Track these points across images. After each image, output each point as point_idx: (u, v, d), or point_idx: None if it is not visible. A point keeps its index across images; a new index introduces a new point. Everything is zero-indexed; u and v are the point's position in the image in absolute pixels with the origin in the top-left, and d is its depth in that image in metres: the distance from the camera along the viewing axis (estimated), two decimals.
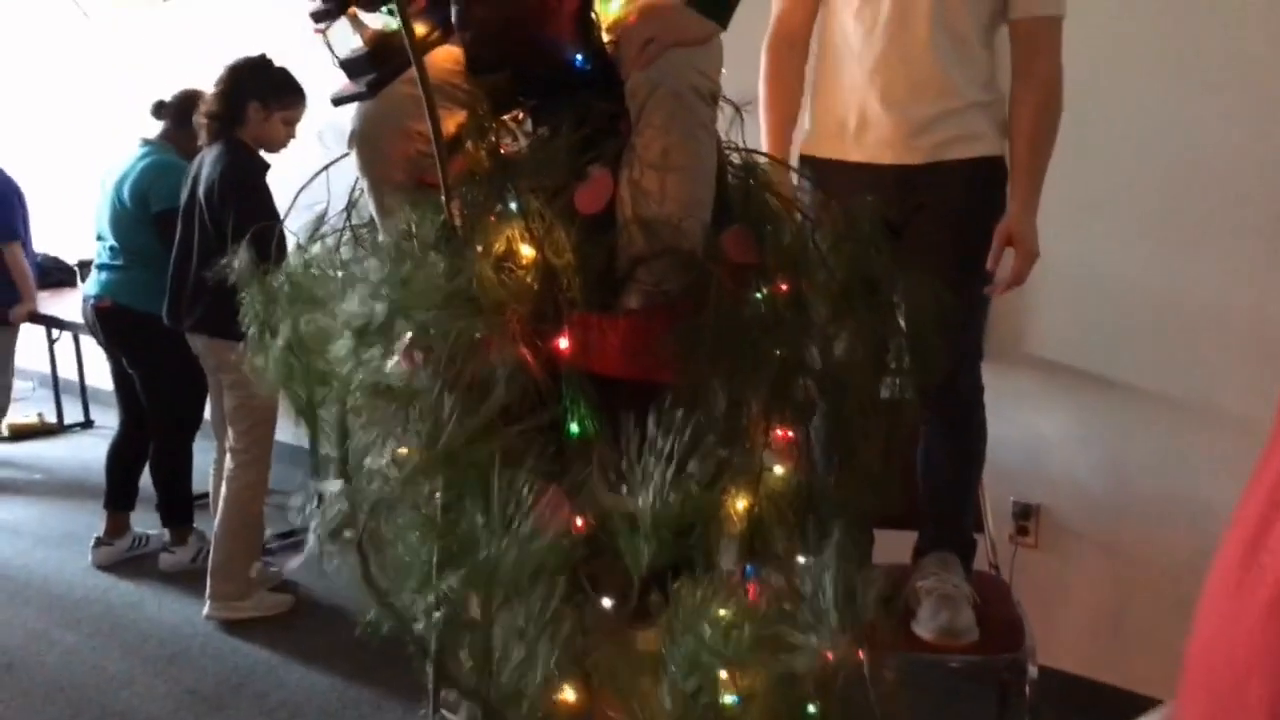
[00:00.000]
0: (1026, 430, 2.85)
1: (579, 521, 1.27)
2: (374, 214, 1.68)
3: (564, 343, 1.33)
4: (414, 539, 1.29)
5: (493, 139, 1.58)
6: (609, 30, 1.60)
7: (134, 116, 5.73)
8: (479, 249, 1.31)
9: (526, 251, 1.36)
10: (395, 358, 1.42)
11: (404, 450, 1.45)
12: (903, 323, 1.60)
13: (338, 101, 1.73)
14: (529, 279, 1.33)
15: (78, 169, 6.15)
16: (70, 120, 6.18)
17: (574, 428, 1.31)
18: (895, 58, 2.03)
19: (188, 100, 3.82)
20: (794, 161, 2.16)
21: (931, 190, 2.06)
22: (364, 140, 1.61)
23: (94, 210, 3.97)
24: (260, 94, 3.34)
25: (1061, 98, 2.09)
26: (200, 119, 3.39)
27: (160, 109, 3.92)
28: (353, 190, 1.80)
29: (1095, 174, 2.64)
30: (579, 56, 1.56)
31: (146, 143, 3.88)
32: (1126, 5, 2.59)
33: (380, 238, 1.67)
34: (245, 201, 3.18)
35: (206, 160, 3.35)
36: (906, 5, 2.00)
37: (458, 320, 1.25)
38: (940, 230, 2.06)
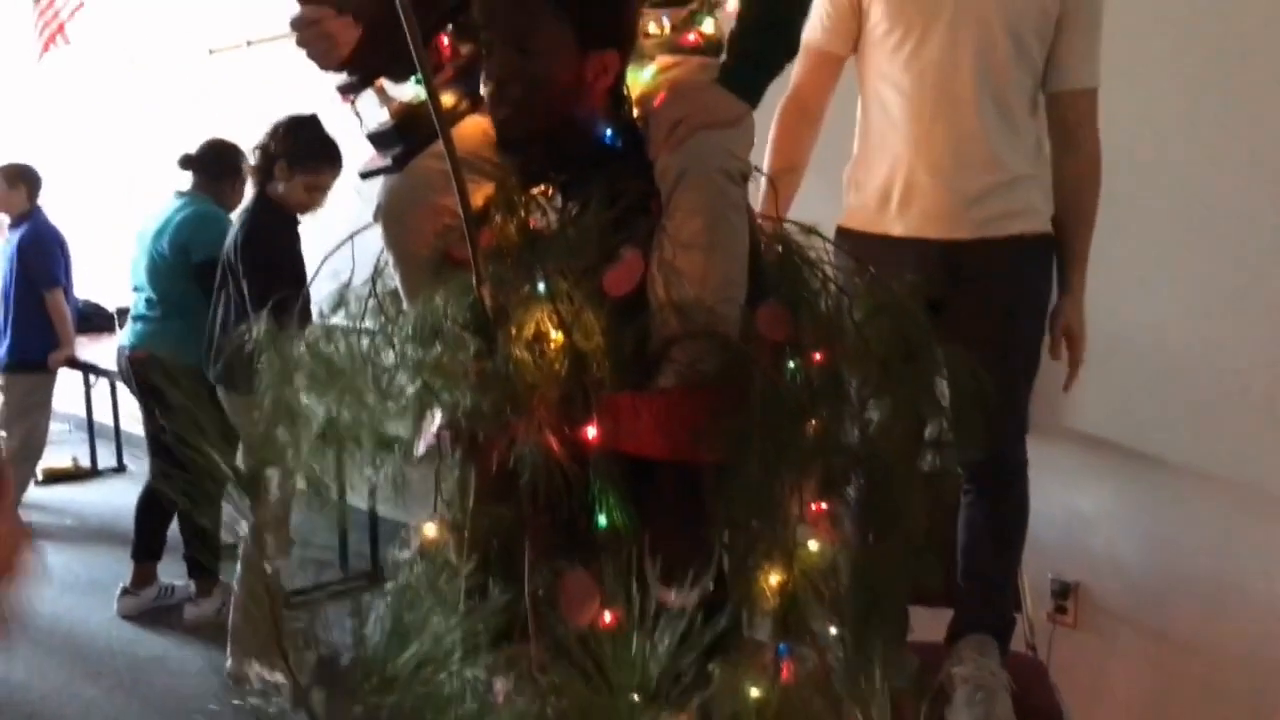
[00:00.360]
0: (1065, 505, 2.78)
1: (608, 616, 1.23)
2: (399, 287, 1.65)
3: (592, 430, 1.29)
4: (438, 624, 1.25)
5: (521, 214, 1.55)
6: (638, 103, 1.58)
7: (174, 164, 5.82)
8: (510, 331, 1.29)
9: (555, 335, 1.33)
10: (423, 439, 1.40)
11: (430, 531, 1.43)
12: (945, 397, 1.55)
13: (365, 175, 1.72)
14: (557, 364, 1.30)
15: (122, 216, 6.25)
16: (115, 167, 6.29)
17: (602, 519, 1.27)
18: (941, 129, 2.00)
19: (215, 151, 3.86)
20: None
21: (978, 265, 2.03)
22: (390, 215, 1.59)
23: (130, 262, 4.00)
24: (287, 154, 3.33)
25: (1100, 176, 2.09)
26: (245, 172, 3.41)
27: (188, 162, 3.94)
28: (378, 259, 1.78)
29: (1138, 243, 2.59)
30: (609, 132, 1.54)
31: (181, 194, 3.92)
32: (1168, 71, 2.55)
33: (405, 308, 1.65)
34: (263, 259, 3.17)
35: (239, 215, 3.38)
36: (951, 76, 1.98)
37: (488, 403, 1.22)
38: (987, 305, 2.02)
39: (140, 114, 6.04)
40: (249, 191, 3.49)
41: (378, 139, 1.65)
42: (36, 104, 6.76)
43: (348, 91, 1.61)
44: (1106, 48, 2.07)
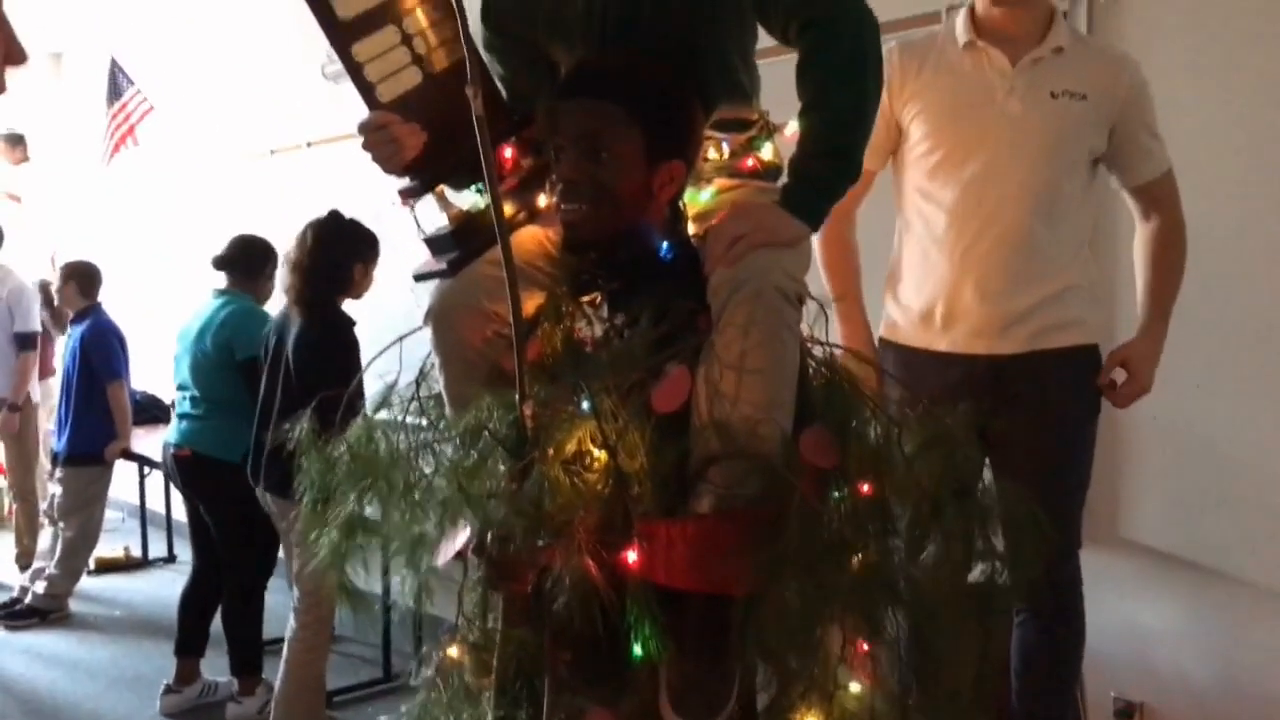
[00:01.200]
0: (1127, 620, 2.68)
1: None
2: (443, 391, 1.65)
3: (632, 556, 1.27)
4: None
5: (569, 324, 1.56)
6: (696, 220, 1.59)
7: None
8: (550, 450, 1.28)
9: (598, 454, 1.32)
10: (445, 550, 1.38)
11: (453, 652, 1.40)
12: (995, 526, 1.51)
13: (419, 278, 1.73)
14: (599, 484, 1.29)
15: (183, 311, 6.40)
16: (178, 263, 6.46)
17: (638, 649, 1.24)
18: (988, 246, 2.00)
19: (246, 248, 3.97)
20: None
21: (1026, 380, 2.01)
22: (440, 318, 1.60)
23: (172, 361, 4.07)
24: (356, 255, 3.40)
25: (1185, 239, 2.12)
26: (289, 275, 3.38)
27: (222, 262, 4.01)
28: (424, 361, 1.79)
29: (1202, 354, 2.53)
30: (665, 244, 1.55)
31: (221, 292, 3.98)
32: (1248, 164, 2.52)
33: (448, 413, 1.65)
34: (337, 365, 3.15)
35: (296, 318, 3.37)
36: (999, 194, 1.98)
37: (520, 525, 1.21)
38: (1036, 422, 2.00)
39: (203, 211, 6.21)
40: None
41: (434, 244, 1.67)
42: (104, 203, 6.98)
43: (408, 196, 1.63)
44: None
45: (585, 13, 1.57)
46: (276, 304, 3.78)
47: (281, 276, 3.45)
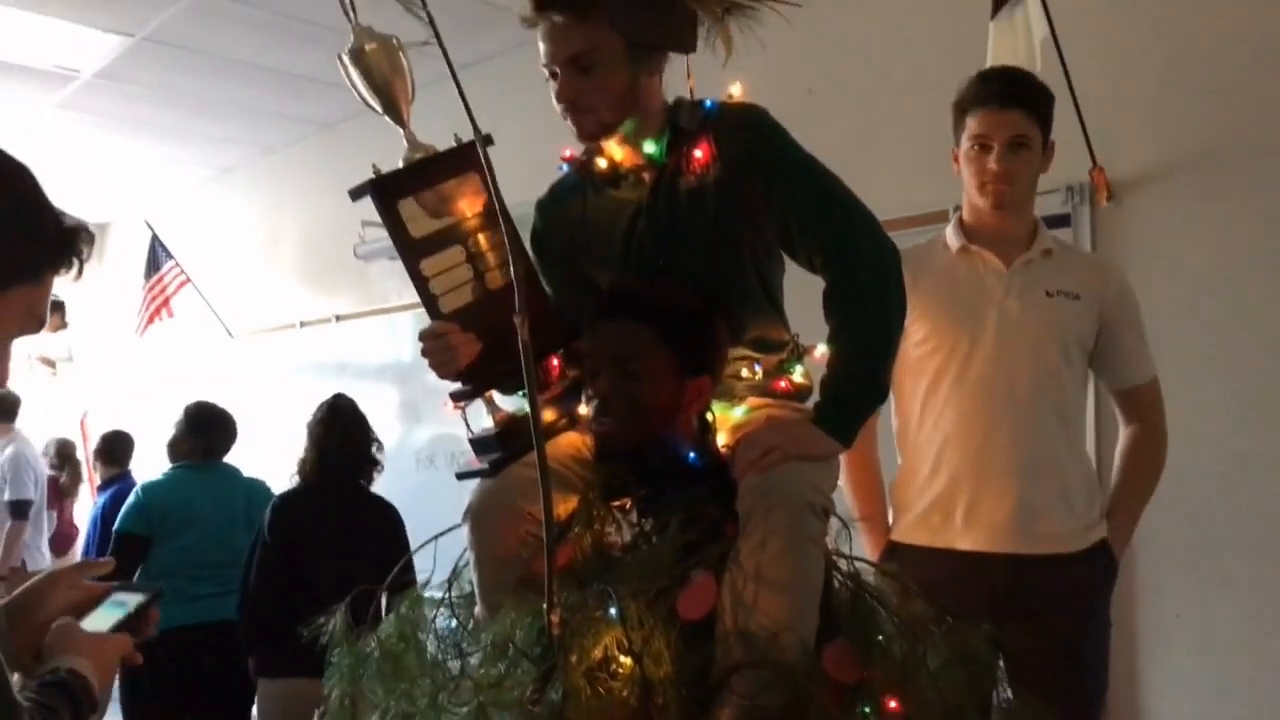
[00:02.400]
0: None
1: None
2: (476, 589, 1.68)
3: None
4: None
5: (598, 528, 1.60)
6: (728, 434, 1.65)
7: (269, 428, 6.06)
8: (574, 658, 1.30)
9: (624, 660, 1.34)
10: None
11: None
12: None
13: (461, 476, 1.78)
14: (624, 691, 1.31)
15: None
16: None
17: None
18: (1002, 440, 2.03)
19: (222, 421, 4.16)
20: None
21: (1047, 583, 2.01)
22: (478, 516, 1.65)
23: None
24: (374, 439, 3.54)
25: (1165, 447, 2.15)
26: (327, 456, 3.45)
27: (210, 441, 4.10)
28: (457, 561, 1.82)
29: (1231, 552, 2.54)
30: (693, 453, 1.61)
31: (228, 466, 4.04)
32: (1248, 367, 2.59)
33: (478, 611, 1.68)
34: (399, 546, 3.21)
35: (336, 498, 3.41)
36: (1008, 388, 2.02)
37: None
38: (1057, 625, 1.99)
39: (234, 382, 6.35)
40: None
41: (478, 444, 1.74)
42: (137, 371, 7.13)
43: (459, 399, 1.71)
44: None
45: (624, 246, 1.69)
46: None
47: (309, 456, 3.49)
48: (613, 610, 1.38)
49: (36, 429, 6.37)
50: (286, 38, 4.39)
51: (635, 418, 1.58)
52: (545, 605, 1.35)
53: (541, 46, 1.63)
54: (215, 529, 3.80)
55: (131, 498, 3.92)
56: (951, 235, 2.17)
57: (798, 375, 1.73)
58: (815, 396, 1.64)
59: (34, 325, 1.19)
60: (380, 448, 3.56)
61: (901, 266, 1.62)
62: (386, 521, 3.44)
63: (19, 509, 5.27)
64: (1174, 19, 2.74)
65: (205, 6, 4.15)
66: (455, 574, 1.81)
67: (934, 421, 2.10)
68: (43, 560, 5.64)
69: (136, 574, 3.69)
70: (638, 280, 1.66)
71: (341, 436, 3.46)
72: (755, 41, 1.68)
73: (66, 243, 1.20)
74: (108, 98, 5.21)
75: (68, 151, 6.04)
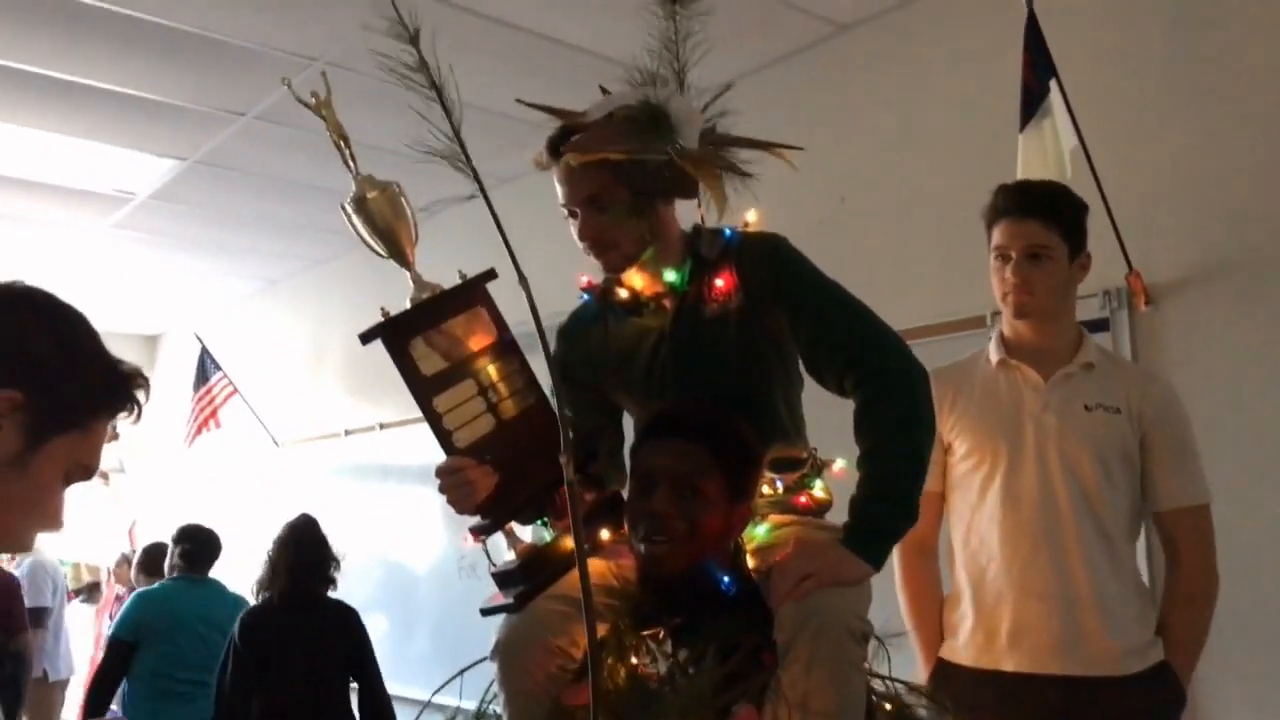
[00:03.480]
0: None
1: None
2: None
3: None
4: None
5: (633, 659, 1.58)
6: (753, 554, 1.64)
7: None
8: None
9: None
10: None
11: None
12: None
13: (486, 612, 1.76)
14: None
15: (248, 590, 6.46)
16: (253, 542, 6.60)
17: None
18: (1045, 560, 1.99)
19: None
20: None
21: (1103, 706, 1.94)
22: (506, 652, 1.63)
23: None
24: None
25: (1215, 585, 2.05)
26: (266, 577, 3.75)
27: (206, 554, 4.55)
28: (483, 698, 1.76)
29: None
30: (726, 579, 1.59)
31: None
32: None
33: None
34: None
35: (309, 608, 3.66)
36: (1049, 504, 1.99)
37: None
38: None
39: (280, 490, 6.41)
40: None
41: (502, 578, 1.72)
42: (185, 484, 7.22)
43: (480, 533, 1.70)
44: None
45: (647, 371, 1.72)
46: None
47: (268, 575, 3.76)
48: None
49: (87, 537, 6.45)
50: (332, 156, 4.51)
51: (692, 539, 1.55)
52: None
53: (559, 189, 1.69)
54: (197, 637, 4.17)
55: (126, 605, 4.23)
56: (992, 349, 2.15)
57: (818, 490, 1.73)
58: (832, 509, 1.64)
59: (82, 474, 1.18)
60: (338, 566, 3.84)
61: (930, 387, 1.62)
62: (348, 625, 3.76)
63: (37, 617, 5.31)
64: (1206, 124, 2.75)
65: (255, 131, 4.31)
66: (480, 714, 1.76)
67: (979, 538, 2.07)
68: (64, 669, 5.66)
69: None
70: (689, 402, 1.66)
71: (298, 556, 3.74)
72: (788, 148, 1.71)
73: (119, 389, 1.19)
74: (161, 217, 5.39)
75: (122, 268, 6.23)
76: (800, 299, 1.65)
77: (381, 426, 5.63)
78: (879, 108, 3.44)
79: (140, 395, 1.22)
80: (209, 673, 3.79)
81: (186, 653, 4.11)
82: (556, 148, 1.65)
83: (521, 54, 3.59)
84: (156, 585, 4.36)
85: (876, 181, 3.44)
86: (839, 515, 1.74)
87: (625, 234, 1.66)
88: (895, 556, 2.20)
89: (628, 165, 1.61)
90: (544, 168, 1.69)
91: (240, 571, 6.49)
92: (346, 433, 5.91)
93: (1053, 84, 2.59)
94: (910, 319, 3.12)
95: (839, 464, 1.71)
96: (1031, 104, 2.60)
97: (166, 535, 5.53)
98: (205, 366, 6.29)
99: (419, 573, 5.36)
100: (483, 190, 1.52)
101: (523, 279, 1.52)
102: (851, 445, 1.71)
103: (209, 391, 6.19)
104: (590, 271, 1.87)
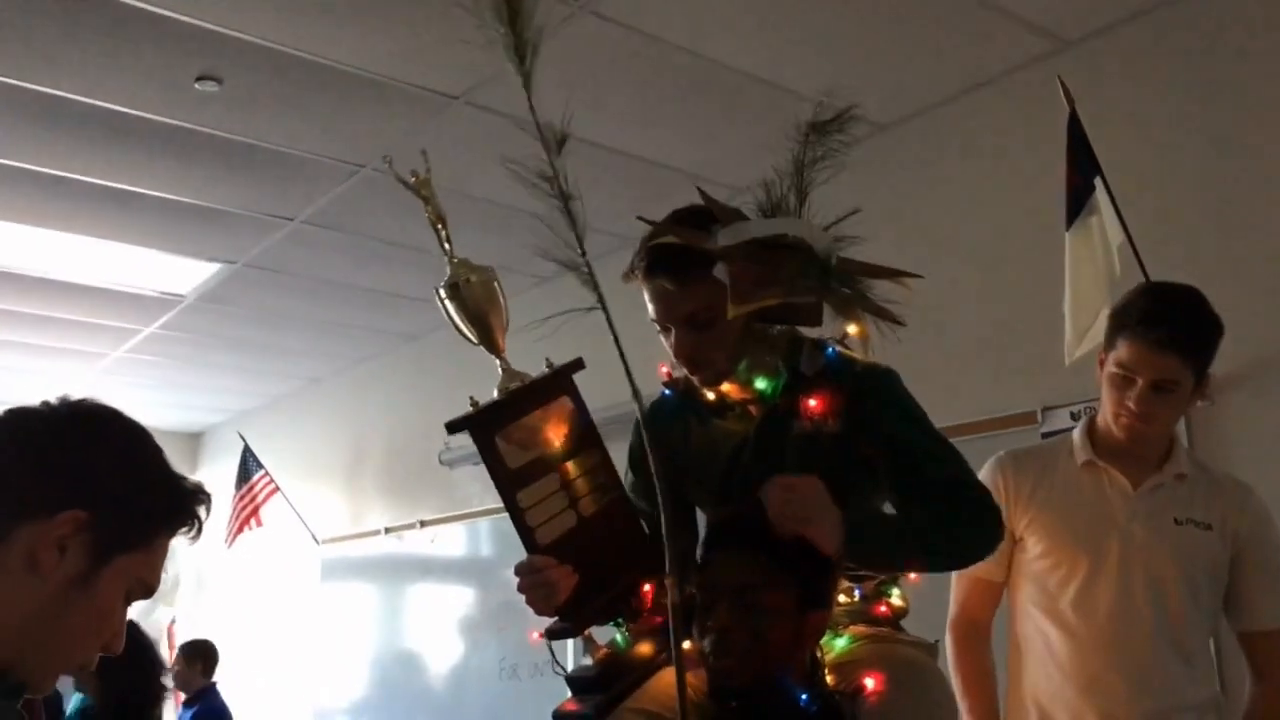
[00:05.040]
0: None
1: None
2: None
3: None
4: None
5: None
6: (832, 669, 1.59)
7: (348, 638, 6.05)
8: None
9: None
10: None
11: None
12: None
13: (559, 718, 1.68)
14: None
15: (292, 685, 6.42)
16: (290, 636, 6.55)
17: None
18: (1117, 677, 1.91)
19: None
20: None
21: None
22: None
23: None
24: None
25: None
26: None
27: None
28: None
29: None
30: (805, 695, 1.54)
31: None
32: None
33: None
34: None
35: None
36: (1126, 621, 1.91)
37: None
38: None
39: (320, 588, 6.38)
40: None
41: (577, 684, 1.67)
42: (224, 578, 7.22)
43: (558, 637, 1.64)
44: None
45: (725, 476, 1.68)
46: None
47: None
48: None
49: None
50: (377, 259, 4.61)
51: (756, 653, 1.50)
52: None
53: (651, 306, 1.65)
54: None
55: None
56: (1079, 445, 2.05)
57: (895, 598, 1.69)
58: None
59: (143, 592, 1.17)
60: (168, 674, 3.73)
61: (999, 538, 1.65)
62: None
63: None
64: (1254, 218, 2.74)
65: (302, 235, 4.39)
66: None
67: (1045, 641, 1.99)
68: None
69: None
70: (752, 507, 1.63)
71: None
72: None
73: (182, 507, 1.18)
74: (207, 318, 5.48)
75: (166, 368, 6.31)
76: (907, 445, 1.65)
77: (422, 524, 5.61)
78: (921, 206, 3.46)
79: (201, 512, 1.22)
80: None
81: None
82: (665, 266, 1.61)
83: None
84: None
85: (926, 278, 3.42)
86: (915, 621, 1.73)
87: (723, 350, 1.64)
88: (948, 640, 2.13)
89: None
90: (627, 280, 1.67)
91: (281, 668, 6.47)
92: (386, 530, 5.89)
93: (1097, 181, 2.58)
94: (962, 415, 3.09)
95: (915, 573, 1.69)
96: (1077, 202, 2.59)
97: (206, 634, 5.54)
98: (247, 464, 6.32)
99: (459, 671, 5.28)
100: (603, 304, 1.53)
101: (625, 364, 1.53)
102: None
103: (251, 489, 6.21)
104: (670, 361, 1.85)
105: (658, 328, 1.68)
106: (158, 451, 1.19)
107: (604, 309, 1.52)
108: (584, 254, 1.54)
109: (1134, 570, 1.93)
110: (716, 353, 1.64)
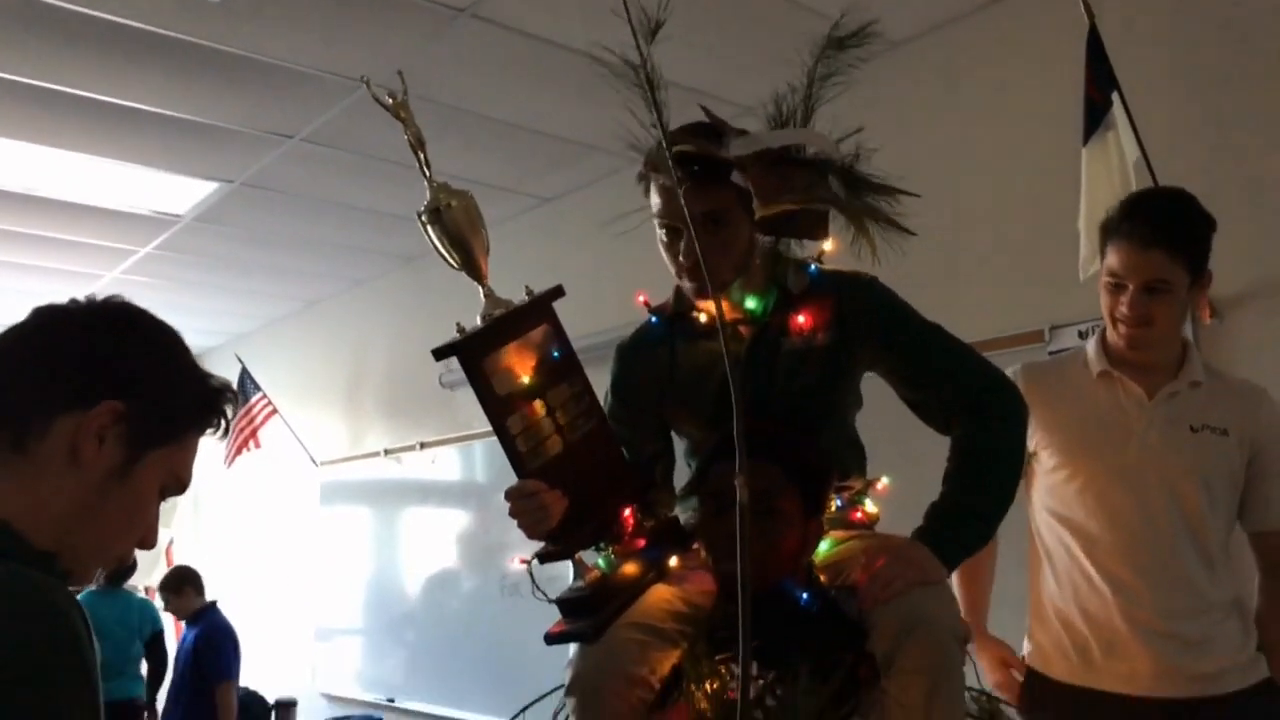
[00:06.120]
0: None
1: None
2: None
3: None
4: None
5: (715, 684, 1.56)
6: (820, 570, 1.64)
7: (351, 556, 6.11)
8: None
9: None
10: None
11: None
12: None
13: (552, 640, 1.70)
14: None
15: (291, 605, 6.50)
16: (294, 562, 6.62)
17: None
18: (1141, 580, 1.94)
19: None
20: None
21: None
22: (587, 685, 1.59)
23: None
24: None
25: None
26: None
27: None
28: None
29: None
30: (805, 595, 1.58)
31: None
32: None
33: None
34: None
35: None
36: (1146, 524, 1.94)
37: None
38: None
39: (319, 508, 6.43)
40: None
41: (569, 606, 1.69)
42: (223, 499, 7.26)
43: (549, 560, 1.67)
44: None
45: (716, 397, 1.68)
46: None
47: None
48: None
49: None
50: (376, 178, 4.56)
51: (769, 558, 1.56)
52: None
53: (663, 204, 1.65)
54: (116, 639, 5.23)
55: None
56: (1093, 356, 2.06)
57: (869, 506, 1.76)
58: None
59: (176, 488, 1.19)
60: None
61: (1026, 409, 1.64)
62: None
63: None
64: (1269, 134, 2.72)
65: (301, 153, 4.33)
66: None
67: (1068, 551, 2.01)
68: None
69: None
70: (760, 423, 1.65)
71: None
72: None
73: (212, 403, 1.21)
74: (205, 239, 5.43)
75: (163, 290, 6.27)
76: (906, 343, 1.69)
77: (422, 446, 5.64)
78: (934, 122, 3.42)
79: (228, 410, 1.23)
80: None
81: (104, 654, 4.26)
82: (683, 166, 1.59)
83: (566, 72, 3.59)
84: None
85: (933, 194, 3.41)
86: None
87: (729, 256, 1.65)
88: None
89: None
90: (644, 178, 1.67)
91: (281, 588, 6.55)
92: (386, 452, 5.92)
93: (1115, 96, 2.56)
94: (969, 333, 3.07)
95: (883, 481, 1.76)
96: (1095, 117, 2.57)
97: (204, 555, 5.62)
98: (245, 386, 6.32)
99: (459, 591, 5.35)
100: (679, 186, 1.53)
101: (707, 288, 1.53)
102: (885, 465, 1.80)
103: (249, 411, 6.21)
104: (647, 290, 1.86)
105: (664, 238, 1.68)
106: (186, 348, 1.21)
107: (683, 203, 1.51)
108: (668, 147, 1.53)
109: (1151, 477, 1.95)
110: (722, 258, 1.64)
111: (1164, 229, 1.91)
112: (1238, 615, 1.98)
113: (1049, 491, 2.06)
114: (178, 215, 5.09)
